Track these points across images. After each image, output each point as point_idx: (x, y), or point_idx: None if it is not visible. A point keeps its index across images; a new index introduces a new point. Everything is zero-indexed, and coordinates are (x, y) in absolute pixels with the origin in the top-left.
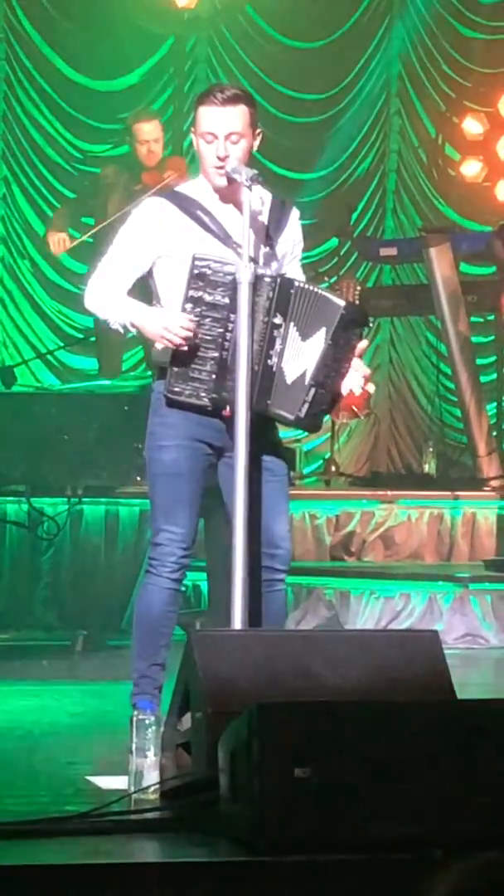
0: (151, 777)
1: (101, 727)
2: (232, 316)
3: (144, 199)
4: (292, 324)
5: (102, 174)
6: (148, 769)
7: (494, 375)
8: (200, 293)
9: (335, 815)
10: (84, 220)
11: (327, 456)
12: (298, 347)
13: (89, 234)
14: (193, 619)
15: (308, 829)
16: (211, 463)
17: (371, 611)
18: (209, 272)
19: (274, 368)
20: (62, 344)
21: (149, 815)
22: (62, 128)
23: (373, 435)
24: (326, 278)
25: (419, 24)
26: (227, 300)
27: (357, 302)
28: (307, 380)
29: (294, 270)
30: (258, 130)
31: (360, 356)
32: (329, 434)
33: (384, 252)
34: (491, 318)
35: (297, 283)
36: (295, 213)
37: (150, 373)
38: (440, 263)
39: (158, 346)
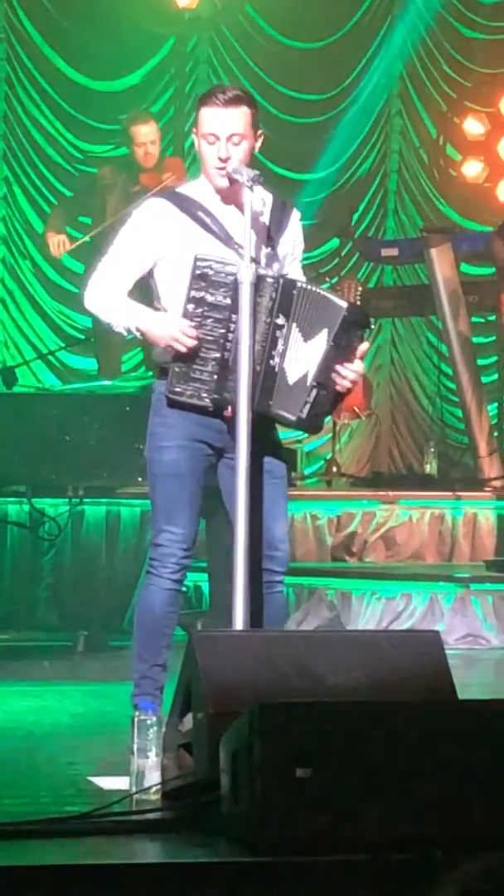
0: (153, 778)
1: (103, 728)
2: (234, 316)
3: (145, 199)
4: (294, 324)
5: (100, 174)
6: (149, 770)
7: (495, 376)
8: (202, 294)
9: (336, 815)
10: (81, 220)
11: (328, 456)
12: (300, 348)
13: (89, 235)
14: (195, 619)
15: (309, 830)
16: (211, 463)
17: (372, 611)
18: (211, 273)
19: (276, 369)
20: (63, 344)
21: (150, 816)
22: (63, 128)
23: (374, 435)
24: (328, 279)
25: (420, 24)
26: (228, 301)
27: (358, 302)
28: (309, 381)
29: (295, 271)
30: (259, 132)
31: (362, 358)
32: (330, 435)
33: (385, 252)
34: (492, 318)
35: (299, 284)
36: (296, 215)
37: (150, 373)
38: (441, 264)
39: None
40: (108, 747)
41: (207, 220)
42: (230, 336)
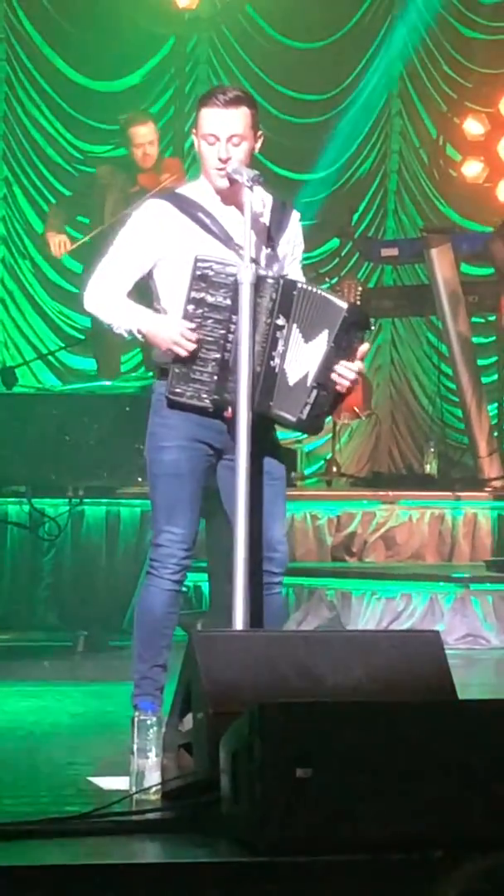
0: (153, 778)
1: (103, 728)
2: (234, 317)
3: (144, 200)
4: (295, 325)
5: (98, 173)
6: (149, 770)
7: (495, 376)
8: (203, 294)
9: (336, 815)
10: (80, 220)
11: (328, 456)
12: (301, 349)
13: (90, 235)
14: (195, 619)
15: (309, 830)
16: (211, 464)
17: (372, 611)
18: (211, 273)
19: (276, 370)
20: (63, 344)
21: (150, 816)
22: (63, 128)
23: (374, 435)
24: (328, 279)
25: (420, 24)
26: (228, 301)
27: (358, 302)
28: (309, 381)
29: (294, 272)
30: (259, 132)
31: (362, 358)
32: (330, 435)
33: (385, 253)
34: (492, 318)
35: (299, 285)
36: (295, 215)
37: (150, 373)
38: (441, 264)
39: None
40: (108, 747)
41: (207, 220)
42: (230, 337)
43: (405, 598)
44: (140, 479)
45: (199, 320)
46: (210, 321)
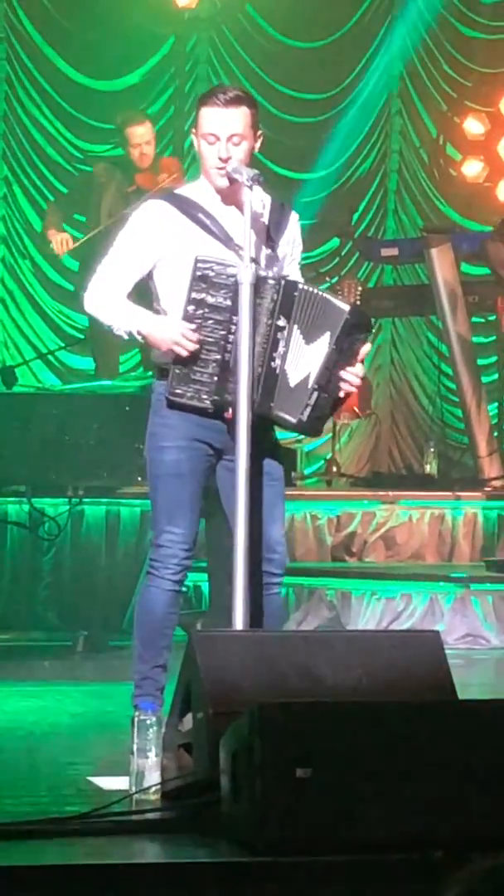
0: (153, 778)
1: (103, 728)
2: (234, 318)
3: (143, 200)
4: (296, 326)
5: (95, 172)
6: (149, 770)
7: (496, 376)
8: (203, 295)
9: (336, 815)
10: (77, 218)
11: (328, 456)
12: (302, 350)
13: (91, 234)
14: (195, 619)
15: (309, 830)
16: (211, 464)
17: (372, 611)
18: (212, 274)
19: (277, 371)
20: (63, 344)
21: (150, 816)
22: (63, 128)
23: (374, 435)
24: (328, 278)
25: (420, 24)
26: (229, 302)
27: (358, 302)
28: (310, 383)
29: (293, 272)
30: (259, 132)
31: (363, 359)
32: (330, 435)
33: (385, 252)
34: (492, 318)
35: (301, 286)
36: (294, 216)
37: (150, 373)
38: (441, 264)
39: None
40: (108, 747)
41: (207, 221)
42: (231, 338)
43: (405, 598)
44: (140, 479)
45: (199, 321)
46: (210, 322)
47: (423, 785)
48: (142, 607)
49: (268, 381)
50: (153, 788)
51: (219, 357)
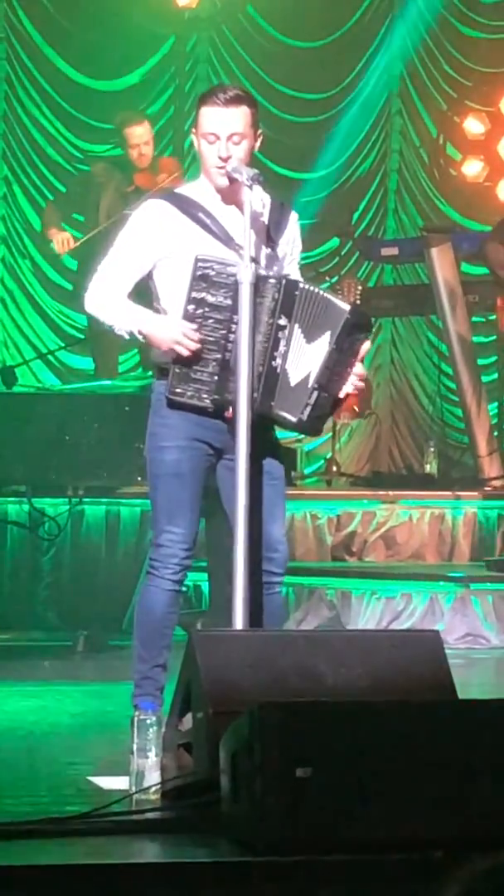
0: (153, 777)
1: (103, 727)
2: (235, 317)
3: (143, 200)
4: (297, 325)
5: (93, 171)
6: (149, 769)
7: (496, 375)
8: (203, 294)
9: (336, 815)
10: (75, 217)
11: (328, 456)
12: (303, 350)
13: (92, 234)
14: (195, 619)
15: (308, 829)
16: (211, 464)
17: (372, 611)
18: (212, 273)
19: (278, 370)
20: (63, 344)
21: (150, 816)
22: (63, 127)
23: (374, 435)
24: (328, 278)
25: (420, 23)
26: (229, 301)
27: (358, 302)
28: (310, 382)
29: (293, 272)
30: (259, 131)
31: (363, 358)
32: (330, 434)
33: (385, 252)
34: (492, 317)
35: (301, 285)
36: (294, 215)
37: (150, 373)
38: (441, 263)
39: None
40: (108, 747)
41: (207, 220)
42: (231, 337)
43: (405, 597)
44: (140, 479)
45: (199, 320)
46: (211, 321)
47: (423, 785)
48: (142, 607)
49: (269, 380)
50: (153, 788)
51: (219, 356)
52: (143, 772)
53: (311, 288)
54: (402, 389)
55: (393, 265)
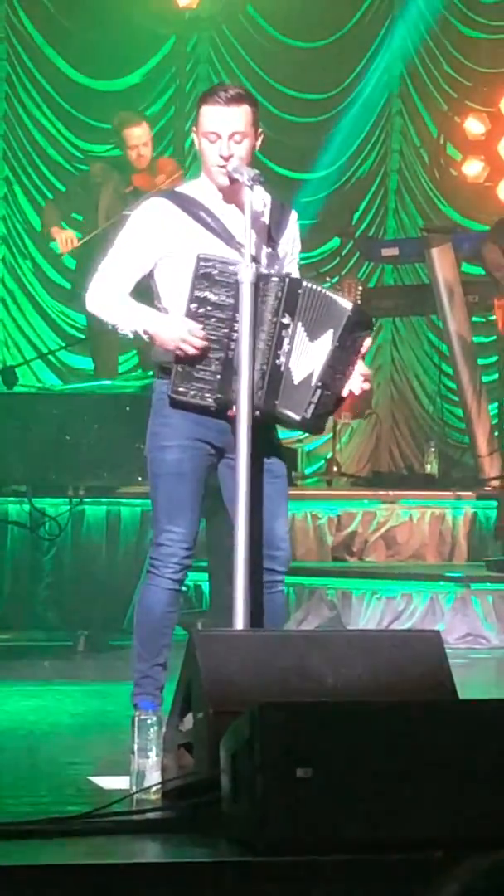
0: (153, 777)
1: (103, 727)
2: (237, 316)
3: (144, 199)
4: (300, 324)
5: (91, 171)
6: (150, 769)
7: (496, 375)
8: (206, 293)
9: (336, 815)
10: (74, 216)
11: (329, 456)
12: (306, 348)
13: (94, 233)
14: (195, 619)
15: (309, 829)
16: (212, 463)
17: (373, 611)
18: (215, 272)
19: (282, 368)
20: (63, 344)
21: (150, 816)
22: (63, 128)
23: (374, 435)
24: (328, 278)
25: (421, 23)
26: (231, 300)
27: (359, 302)
28: (314, 381)
29: (293, 271)
30: (260, 130)
31: (363, 356)
32: (330, 434)
33: (386, 252)
34: (492, 318)
35: (304, 284)
36: (294, 215)
37: (150, 373)
38: (442, 263)
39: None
40: (108, 747)
41: (209, 219)
42: (234, 336)
43: (405, 597)
44: (140, 479)
45: (202, 319)
46: (213, 320)
47: (423, 785)
48: (141, 606)
49: (273, 378)
50: (153, 788)
51: (222, 355)
52: (143, 772)
53: (314, 286)
54: (403, 389)
55: (393, 265)
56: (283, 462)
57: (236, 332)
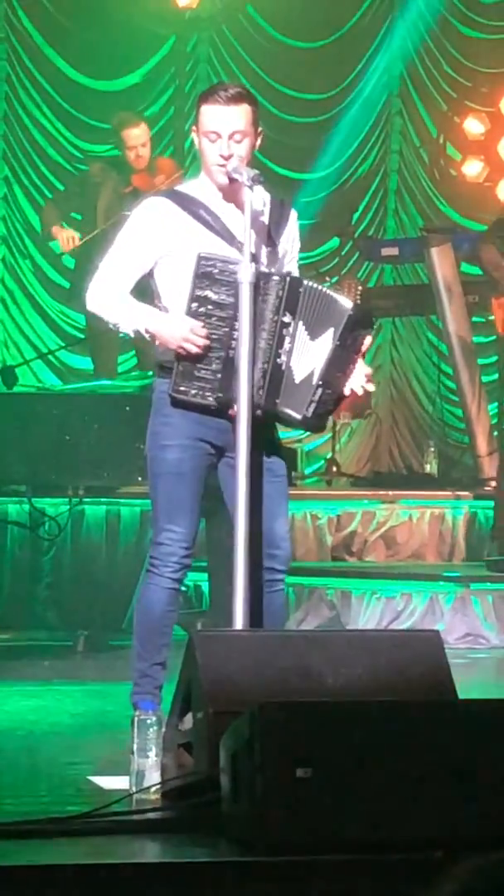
0: (153, 777)
1: (103, 727)
2: (238, 315)
3: (144, 199)
4: (301, 322)
5: (90, 171)
6: (149, 769)
7: (496, 375)
8: (206, 292)
9: (336, 815)
10: (73, 216)
11: (329, 456)
12: (307, 346)
13: (94, 233)
14: (195, 619)
15: (308, 829)
16: (212, 462)
17: (372, 611)
18: (215, 271)
19: (283, 367)
20: (63, 344)
21: (150, 816)
22: (63, 128)
23: (374, 435)
24: (328, 278)
25: (421, 23)
26: (232, 299)
27: (358, 302)
28: (315, 379)
29: (292, 270)
30: (260, 129)
31: (363, 354)
32: (330, 434)
33: (386, 252)
34: (492, 318)
35: (305, 282)
36: (293, 214)
37: (150, 373)
38: (441, 263)
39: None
40: (108, 747)
41: (209, 218)
42: (234, 335)
43: (405, 597)
44: (140, 479)
45: (203, 318)
46: (214, 319)
47: (423, 785)
48: (141, 605)
49: (274, 377)
50: (153, 788)
51: (223, 354)
52: (143, 771)
53: (314, 285)
54: (402, 389)
55: (393, 265)
56: (283, 461)
57: (237, 330)
